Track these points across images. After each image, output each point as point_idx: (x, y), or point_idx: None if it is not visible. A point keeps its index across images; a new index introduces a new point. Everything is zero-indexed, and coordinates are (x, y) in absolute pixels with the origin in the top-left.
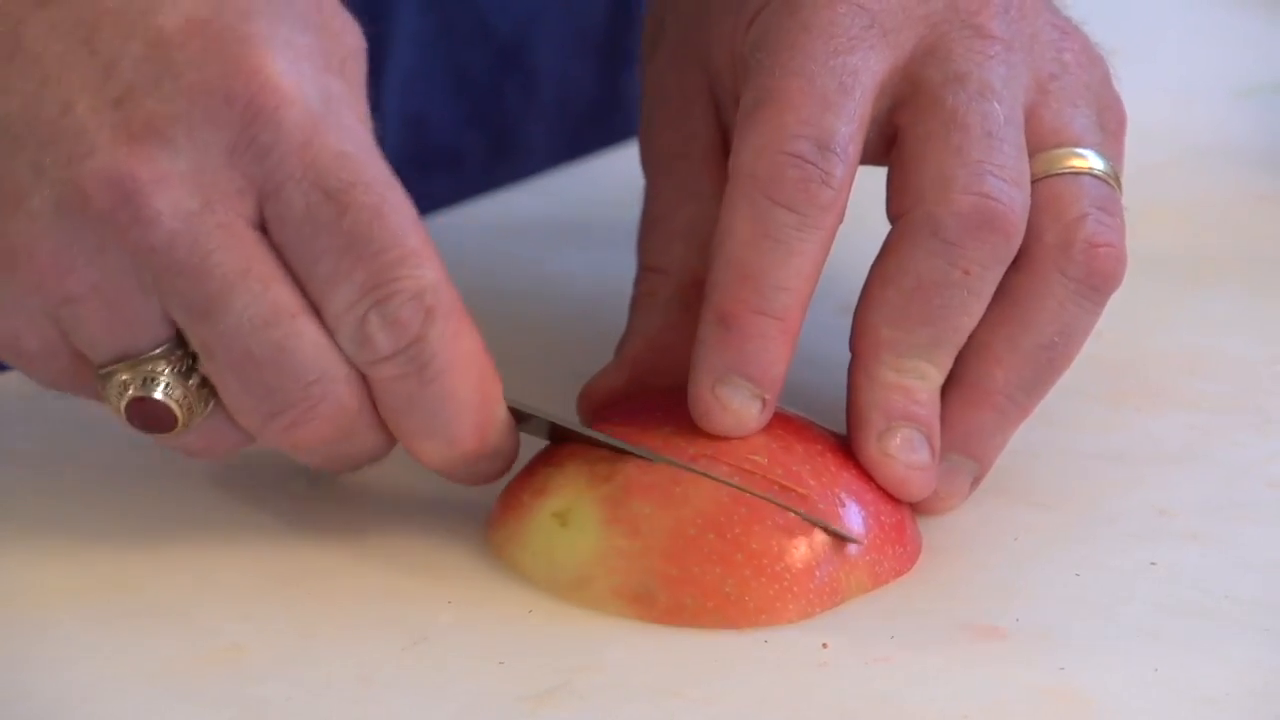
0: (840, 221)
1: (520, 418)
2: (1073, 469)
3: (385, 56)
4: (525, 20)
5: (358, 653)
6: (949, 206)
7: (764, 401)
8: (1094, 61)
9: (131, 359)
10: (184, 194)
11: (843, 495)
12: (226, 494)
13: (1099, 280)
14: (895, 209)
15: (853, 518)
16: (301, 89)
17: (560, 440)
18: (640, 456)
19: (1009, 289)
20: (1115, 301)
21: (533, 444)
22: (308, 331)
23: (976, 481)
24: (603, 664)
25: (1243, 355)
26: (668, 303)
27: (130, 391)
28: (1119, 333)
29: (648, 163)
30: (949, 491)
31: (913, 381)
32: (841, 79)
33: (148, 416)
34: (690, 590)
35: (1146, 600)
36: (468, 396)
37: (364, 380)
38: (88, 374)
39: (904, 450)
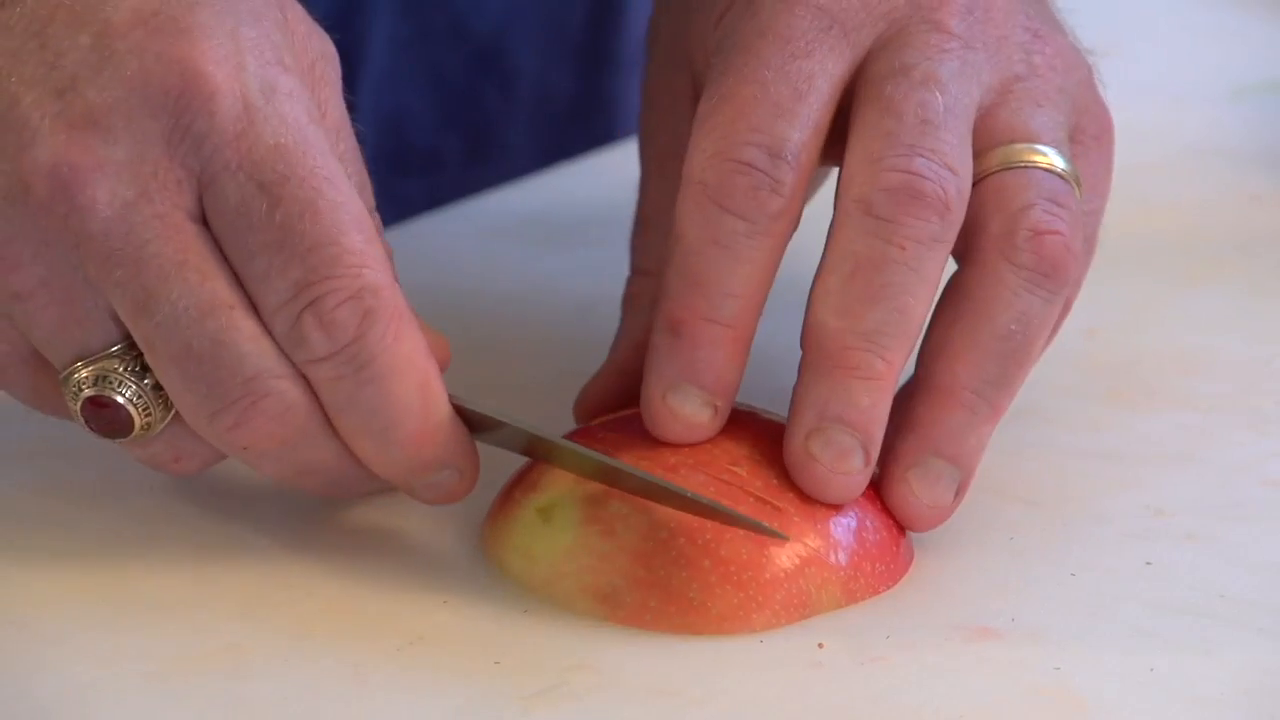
0: (794, 227)
1: (490, 426)
2: (1068, 469)
3: (361, 58)
4: (503, 21)
5: (354, 653)
6: (876, 184)
7: (715, 409)
8: (1071, 66)
9: (87, 358)
10: (121, 183)
11: (823, 509)
12: (224, 495)
13: (1047, 267)
14: (837, 198)
15: (834, 532)
16: (238, 80)
17: (538, 454)
18: (616, 467)
19: (961, 284)
20: (1110, 301)
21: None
22: (245, 326)
23: (961, 491)
24: (598, 664)
25: (1238, 355)
26: (655, 306)
27: (85, 391)
28: (1114, 332)
29: (643, 162)
30: (933, 501)
31: (854, 381)
32: (796, 84)
33: (104, 419)
34: (656, 593)
35: (1142, 600)
36: (408, 400)
37: (306, 380)
38: (54, 381)
39: (827, 451)
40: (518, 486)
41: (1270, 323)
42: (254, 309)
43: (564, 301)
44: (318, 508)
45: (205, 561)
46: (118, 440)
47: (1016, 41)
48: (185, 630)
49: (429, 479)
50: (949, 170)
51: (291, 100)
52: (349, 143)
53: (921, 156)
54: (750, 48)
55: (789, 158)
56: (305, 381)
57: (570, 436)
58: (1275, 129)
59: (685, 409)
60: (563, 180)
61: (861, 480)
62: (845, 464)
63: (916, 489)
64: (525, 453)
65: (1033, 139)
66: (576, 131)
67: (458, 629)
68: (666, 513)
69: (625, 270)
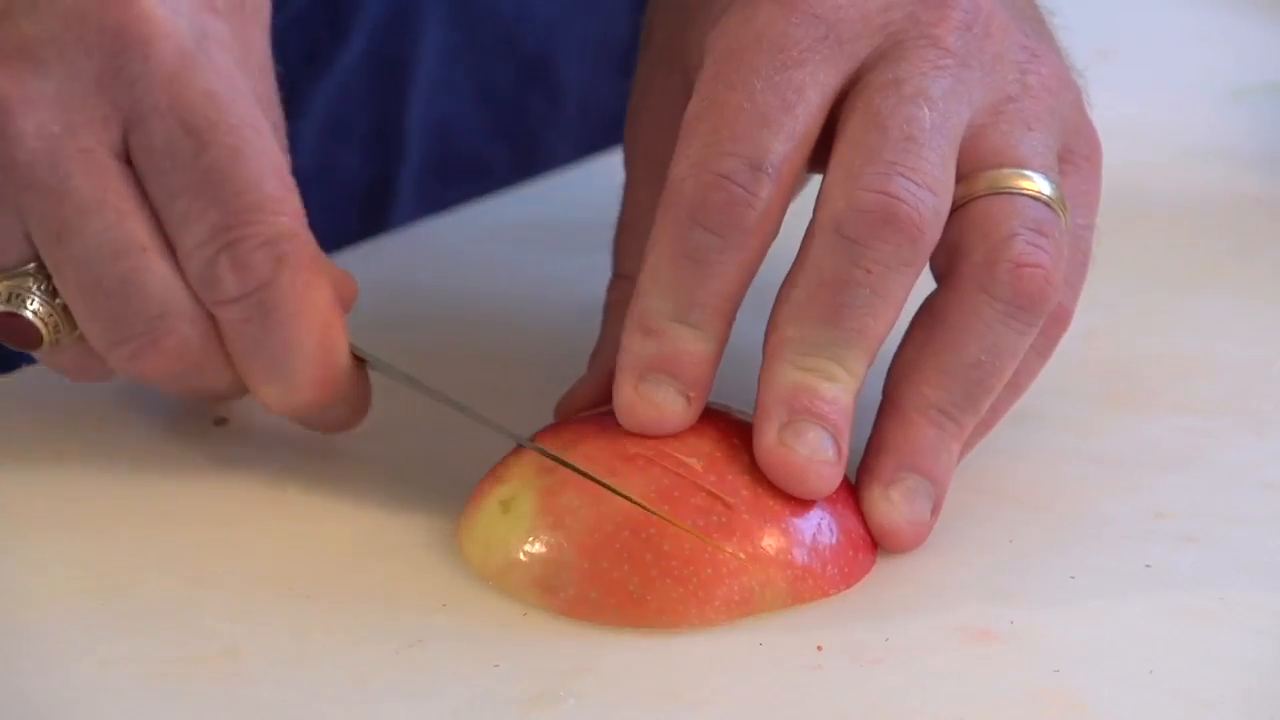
0: (771, 238)
1: (387, 371)
2: (1068, 472)
3: (412, 68)
4: (550, 33)
5: (353, 656)
6: (850, 203)
7: (688, 399)
8: (1063, 86)
9: (2, 274)
10: (49, 116)
11: (776, 508)
12: (223, 497)
13: (1025, 301)
14: (815, 208)
15: (786, 531)
16: (175, 24)
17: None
18: (547, 455)
19: (936, 308)
20: (1109, 304)
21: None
22: (156, 267)
23: (936, 507)
24: (597, 667)
25: (1238, 358)
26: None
27: None
28: (1113, 335)
29: (629, 165)
30: (910, 517)
31: (817, 380)
32: (785, 95)
33: (13, 330)
34: (596, 585)
35: (1141, 602)
36: (311, 348)
37: (212, 319)
38: None
39: (801, 442)
40: (487, 479)
41: (1269, 325)
42: (169, 249)
43: (564, 305)
44: (318, 509)
45: (205, 562)
46: (26, 350)
47: (1012, 60)
48: (184, 632)
49: (319, 417)
50: (928, 190)
51: (223, 47)
52: (268, 85)
53: (901, 176)
54: (743, 54)
55: (769, 170)
56: (210, 321)
57: (543, 430)
58: (1275, 130)
59: (658, 396)
60: (564, 185)
61: (836, 472)
62: (819, 453)
63: (899, 505)
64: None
65: (1021, 164)
66: (619, 140)
67: (457, 632)
68: (614, 506)
69: None
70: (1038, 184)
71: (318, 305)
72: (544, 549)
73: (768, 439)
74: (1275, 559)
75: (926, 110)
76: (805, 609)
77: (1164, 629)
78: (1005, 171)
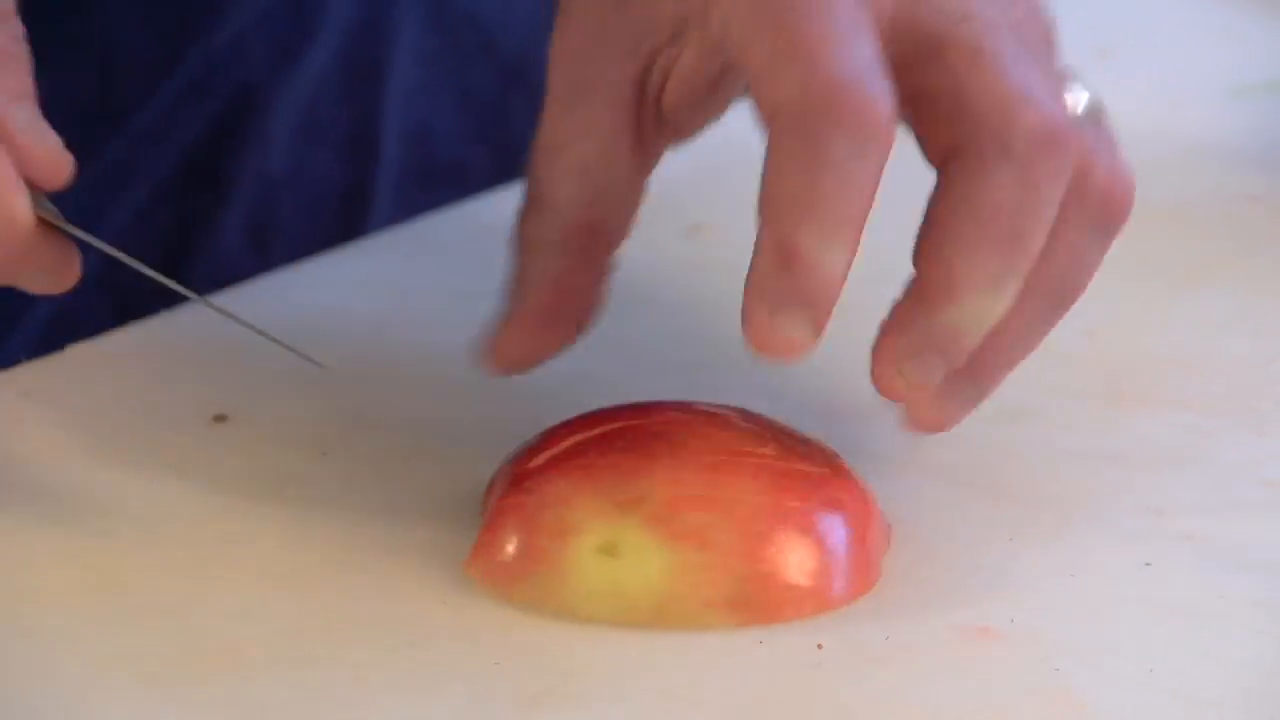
0: (895, 138)
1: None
2: (1067, 470)
3: (387, 72)
4: (529, 37)
5: (352, 654)
6: (1016, 125)
7: (818, 329)
8: (1037, 6)
9: None
10: None
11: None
12: (222, 495)
13: (1118, 216)
14: (947, 144)
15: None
16: None
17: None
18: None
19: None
20: (1109, 302)
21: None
22: None
23: (972, 408)
24: (598, 665)
25: (1237, 355)
26: (556, 246)
27: None
28: (1113, 333)
29: (551, 83)
30: (947, 413)
31: (972, 322)
32: (851, 10)
33: None
34: (775, 583)
35: (1141, 601)
36: None
37: None
38: None
39: (923, 374)
40: (539, 535)
41: (1270, 323)
42: None
43: None
44: (317, 511)
45: (204, 562)
46: None
47: None
48: (184, 631)
49: (25, 278)
50: (1066, 108)
51: None
52: None
53: (1044, 95)
54: None
55: (879, 71)
56: None
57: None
58: (1275, 128)
59: (791, 329)
60: None
61: (939, 406)
62: (931, 388)
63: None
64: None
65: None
66: None
67: (457, 630)
68: (744, 507)
69: (628, 270)
70: (1079, 98)
71: None
72: (707, 571)
73: (884, 369)
74: (1275, 558)
75: (1009, 33)
76: None
77: (1164, 628)
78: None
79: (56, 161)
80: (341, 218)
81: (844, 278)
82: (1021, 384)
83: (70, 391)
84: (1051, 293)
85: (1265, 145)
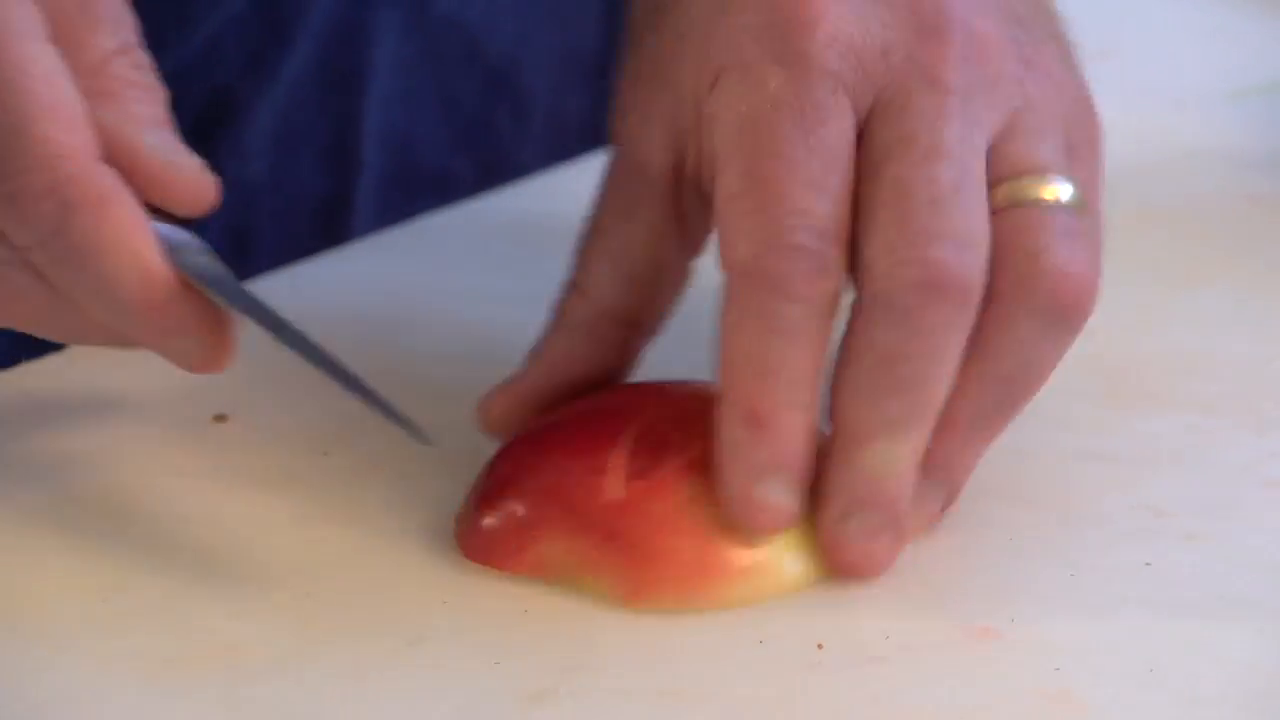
0: (840, 299)
1: (234, 298)
2: (1068, 470)
3: (366, 80)
4: (516, 43)
5: (353, 653)
6: (894, 279)
7: (798, 494)
8: (1062, 86)
9: None
10: None
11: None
12: (222, 494)
13: (1068, 312)
14: (855, 280)
15: None
16: None
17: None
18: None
19: (978, 324)
20: (1109, 303)
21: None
22: None
23: (947, 503)
24: (598, 664)
25: (1238, 356)
26: (577, 329)
27: None
28: (1113, 334)
29: (606, 168)
30: (919, 515)
31: (881, 466)
32: (823, 157)
33: None
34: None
35: (1141, 601)
36: (124, 278)
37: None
38: None
39: (860, 534)
40: (716, 555)
41: (1270, 323)
42: None
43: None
44: (317, 509)
45: (204, 562)
46: None
47: (1010, 75)
48: (184, 630)
49: (171, 345)
50: (967, 247)
51: None
52: (84, 12)
53: (938, 240)
54: (764, 120)
55: (834, 235)
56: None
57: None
58: (1275, 129)
59: (773, 498)
60: (565, 182)
61: (893, 554)
62: (876, 542)
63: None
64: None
65: (1040, 171)
66: (588, 153)
67: (457, 629)
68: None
69: None
70: (1057, 188)
71: (118, 239)
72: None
73: (828, 528)
74: (1276, 556)
75: (944, 166)
76: (805, 606)
77: (1164, 627)
78: (1026, 181)
79: (197, 186)
80: (323, 226)
81: (811, 436)
82: None
83: (71, 391)
84: (1001, 389)
85: (1265, 146)
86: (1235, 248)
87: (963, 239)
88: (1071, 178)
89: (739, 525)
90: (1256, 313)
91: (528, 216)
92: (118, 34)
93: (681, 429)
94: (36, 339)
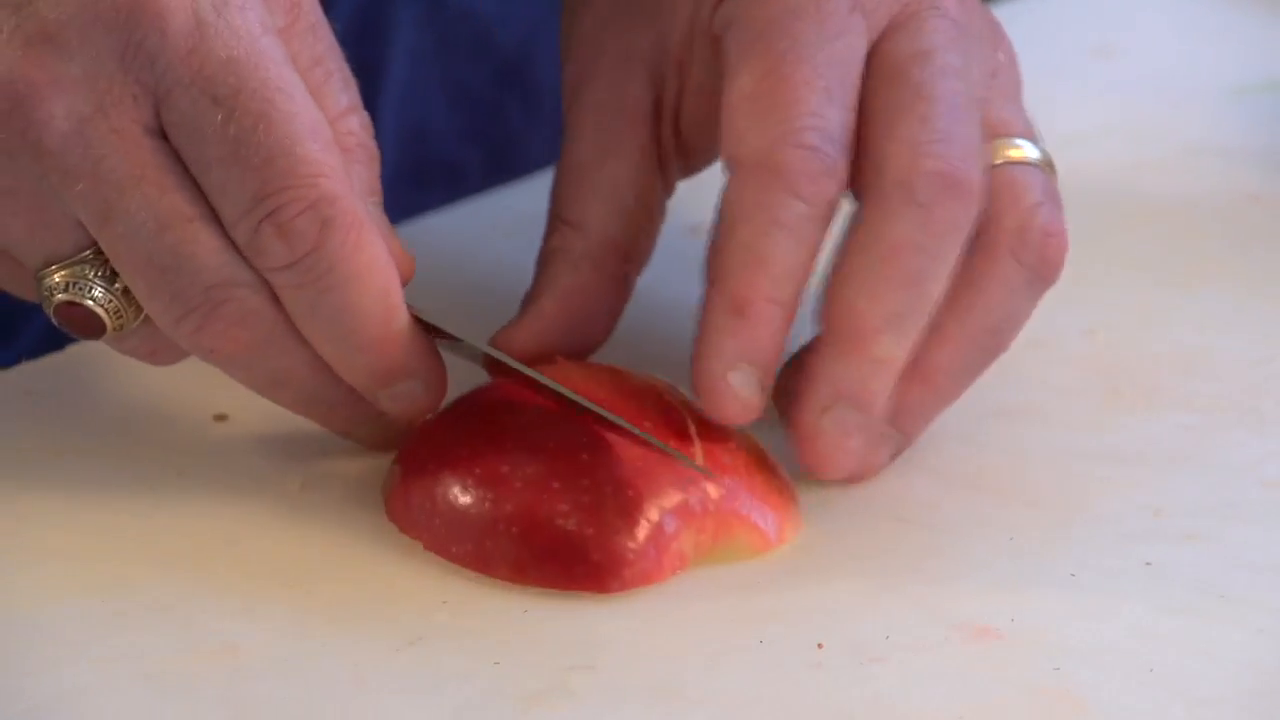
0: (840, 206)
1: (449, 338)
2: (1068, 469)
3: (382, 71)
4: (528, 35)
5: (353, 653)
6: (917, 169)
7: (764, 389)
8: (1015, 61)
9: (59, 262)
10: (78, 98)
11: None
12: (222, 494)
13: (1048, 270)
14: (864, 179)
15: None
16: None
17: (496, 370)
18: (591, 410)
19: (964, 271)
20: (1109, 303)
21: None
22: (205, 237)
23: (896, 454)
24: (598, 664)
25: (1237, 355)
26: (580, 262)
27: (58, 296)
28: (1113, 333)
29: (572, 109)
30: (870, 462)
31: (873, 364)
32: (839, 69)
33: (78, 321)
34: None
35: (1141, 600)
36: (369, 307)
37: (270, 286)
38: (29, 279)
39: (836, 428)
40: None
41: (1270, 323)
42: (217, 220)
43: None
44: (316, 510)
45: (203, 561)
46: (91, 338)
47: (988, 36)
48: (184, 629)
49: (395, 388)
50: (977, 161)
51: (243, 12)
52: (325, 41)
53: (959, 144)
54: (786, 28)
55: (842, 144)
56: (269, 289)
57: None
58: (1275, 129)
59: (744, 388)
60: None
61: (859, 459)
62: (850, 441)
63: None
64: (486, 368)
65: (1021, 134)
66: None
67: (457, 629)
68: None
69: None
70: (1035, 153)
71: (370, 265)
72: None
73: (807, 418)
74: (1276, 557)
75: (959, 82)
76: (805, 606)
77: (1164, 627)
78: (1011, 140)
79: (405, 259)
80: None
81: (785, 336)
82: (1021, 384)
83: (72, 391)
84: (986, 340)
85: (1264, 145)
86: (1235, 246)
87: (974, 153)
88: (1040, 145)
89: (707, 411)
90: (1257, 312)
91: (533, 214)
92: (348, 90)
93: (670, 394)
94: (40, 339)
